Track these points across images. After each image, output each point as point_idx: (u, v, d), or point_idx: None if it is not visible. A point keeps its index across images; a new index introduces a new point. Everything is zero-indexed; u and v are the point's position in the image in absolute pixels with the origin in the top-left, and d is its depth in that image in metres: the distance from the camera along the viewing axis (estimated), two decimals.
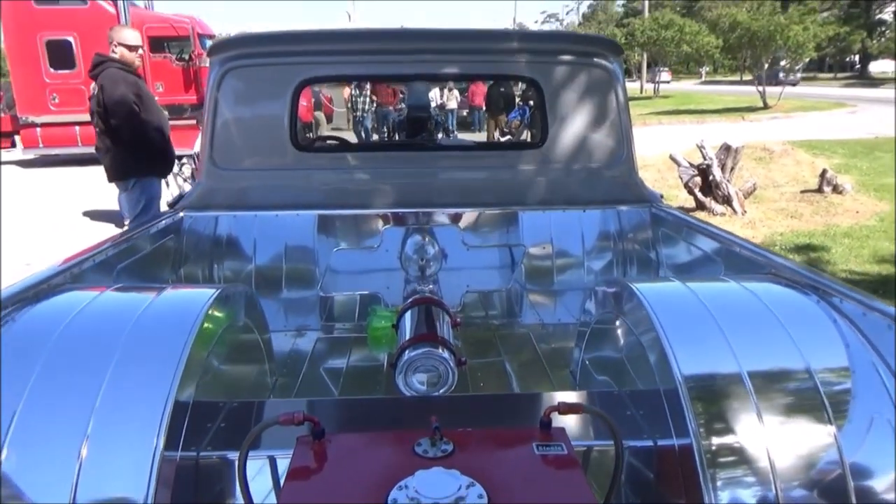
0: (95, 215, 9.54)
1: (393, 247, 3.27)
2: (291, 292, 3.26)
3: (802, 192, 9.69)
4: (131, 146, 4.77)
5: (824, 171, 9.62)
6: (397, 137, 12.35)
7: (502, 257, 3.43)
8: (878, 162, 12.14)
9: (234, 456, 1.37)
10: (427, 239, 3.23)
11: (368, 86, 14.72)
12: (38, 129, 15.24)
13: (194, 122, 13.59)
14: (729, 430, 1.32)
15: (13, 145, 17.40)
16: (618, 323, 1.91)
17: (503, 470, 1.27)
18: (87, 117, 5.40)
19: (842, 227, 7.83)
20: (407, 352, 2.09)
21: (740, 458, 1.30)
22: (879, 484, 1.28)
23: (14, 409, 1.29)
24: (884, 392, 1.37)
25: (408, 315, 2.43)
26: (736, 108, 26.90)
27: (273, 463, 1.47)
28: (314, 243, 3.27)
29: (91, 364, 1.39)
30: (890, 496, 1.27)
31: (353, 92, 15.46)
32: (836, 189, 9.33)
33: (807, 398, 1.37)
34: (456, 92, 18.70)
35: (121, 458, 1.26)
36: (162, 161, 5.06)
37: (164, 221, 2.92)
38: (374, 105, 15.68)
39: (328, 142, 5.39)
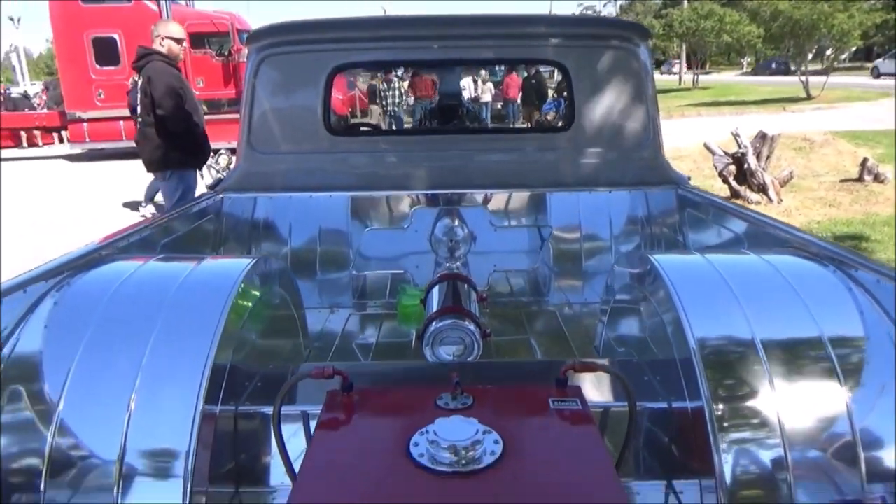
0: (137, 206, 9.86)
1: (422, 227, 3.36)
2: (325, 270, 3.37)
3: (842, 181, 9.49)
4: (174, 137, 4.93)
5: (865, 160, 9.40)
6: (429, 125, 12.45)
7: (530, 238, 3.48)
8: None
9: (269, 410, 1.46)
10: (455, 220, 3.30)
11: (397, 82, 14.80)
12: (85, 125, 15.67)
13: (233, 115, 13.84)
14: (741, 394, 1.36)
15: (61, 140, 17.98)
16: (638, 295, 1.95)
17: (520, 421, 1.34)
18: None
19: (882, 215, 7.66)
20: (434, 323, 2.16)
21: (751, 421, 1.33)
22: (889, 449, 1.30)
23: (69, 366, 1.41)
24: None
25: (435, 290, 2.51)
26: (777, 98, 26.19)
27: (306, 417, 1.57)
28: (347, 225, 3.37)
29: (138, 324, 1.50)
30: None
31: (380, 87, 15.58)
32: (878, 178, 9.11)
33: (818, 364, 1.39)
34: (490, 84, 18.67)
35: (166, 411, 1.36)
36: (200, 153, 5.22)
37: (204, 202, 3.05)
38: (407, 98, 15.78)
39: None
